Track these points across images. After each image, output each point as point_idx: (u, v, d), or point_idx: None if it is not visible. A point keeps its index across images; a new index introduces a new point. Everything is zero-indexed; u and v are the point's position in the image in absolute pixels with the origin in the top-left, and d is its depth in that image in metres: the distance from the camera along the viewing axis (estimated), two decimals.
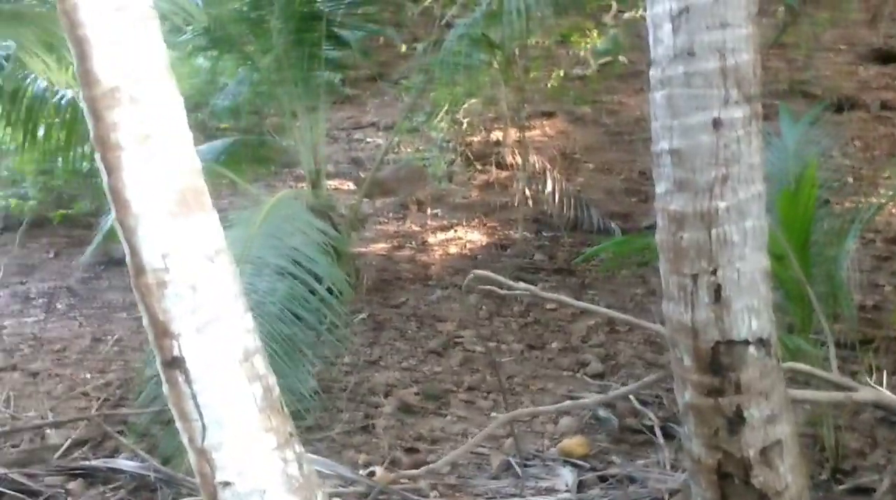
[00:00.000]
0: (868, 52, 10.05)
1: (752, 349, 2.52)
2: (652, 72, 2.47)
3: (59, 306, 7.56)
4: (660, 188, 2.53)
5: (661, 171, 2.50)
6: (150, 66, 1.97)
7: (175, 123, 2.00)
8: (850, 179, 7.49)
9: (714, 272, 2.47)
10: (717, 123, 2.38)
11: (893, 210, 7.43)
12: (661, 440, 4.63)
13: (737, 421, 2.56)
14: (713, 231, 2.44)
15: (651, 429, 4.79)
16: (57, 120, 6.22)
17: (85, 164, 7.25)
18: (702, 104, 2.38)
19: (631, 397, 4.96)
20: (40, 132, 6.34)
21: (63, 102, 6.17)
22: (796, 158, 4.68)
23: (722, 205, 2.42)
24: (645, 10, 7.19)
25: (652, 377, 3.35)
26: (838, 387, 3.29)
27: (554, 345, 6.15)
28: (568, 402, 5.02)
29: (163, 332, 1.99)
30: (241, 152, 7.64)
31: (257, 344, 2.09)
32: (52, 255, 8.59)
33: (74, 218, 8.73)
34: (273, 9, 6.62)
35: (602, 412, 5.02)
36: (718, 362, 2.53)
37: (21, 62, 5.45)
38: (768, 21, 8.74)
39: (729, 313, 2.49)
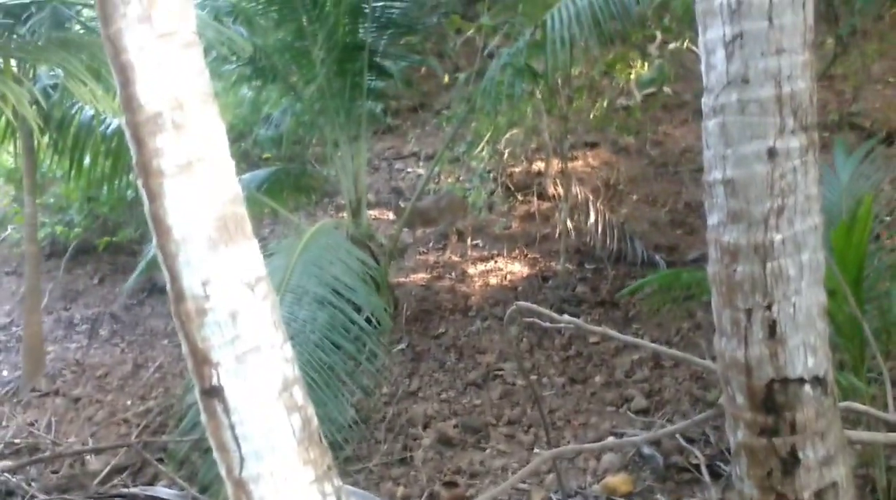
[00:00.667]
0: None
1: (807, 388, 2.43)
2: (704, 99, 2.40)
3: (102, 332, 7.64)
4: (712, 219, 2.46)
5: (714, 201, 2.42)
6: (193, 92, 1.95)
7: (217, 149, 1.97)
8: None
9: (769, 307, 2.38)
10: (772, 153, 2.30)
11: None
12: (707, 478, 4.52)
13: (791, 462, 2.46)
14: (768, 264, 2.36)
15: (697, 467, 4.69)
16: (103, 148, 6.31)
17: (130, 192, 7.36)
18: (757, 133, 2.31)
19: (677, 434, 4.85)
20: (87, 160, 6.43)
21: (109, 131, 6.25)
22: (848, 191, 4.59)
23: (777, 237, 2.35)
24: (690, 41, 7.06)
25: (702, 416, 3.25)
26: (893, 428, 3.17)
27: (597, 379, 6.06)
28: (612, 439, 4.93)
29: (202, 360, 1.96)
30: (283, 181, 7.71)
31: (296, 374, 2.05)
32: (96, 281, 8.69)
33: (119, 245, 8.84)
34: (316, 39, 6.67)
35: (647, 450, 4.93)
36: (773, 400, 2.44)
37: (68, 91, 5.53)
38: (817, 52, 8.60)
39: (784, 350, 2.40)
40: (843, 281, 3.59)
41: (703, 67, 2.41)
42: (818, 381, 2.44)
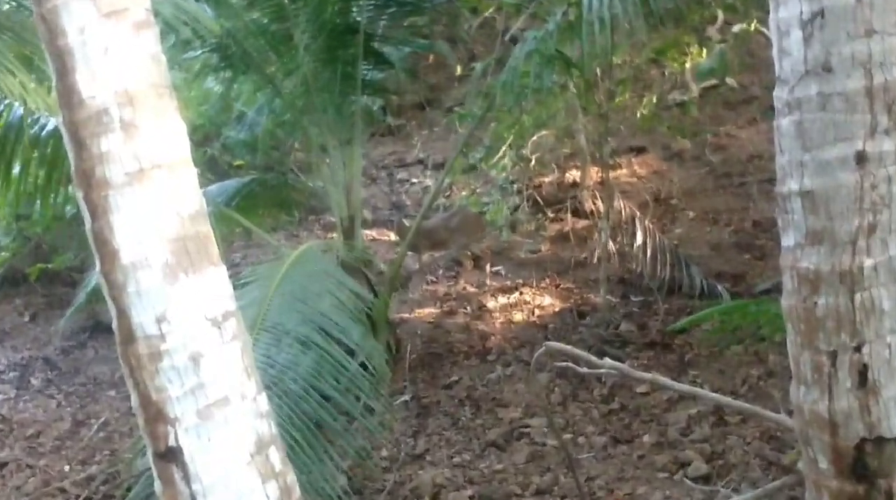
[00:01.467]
0: None
1: None
2: (777, 92, 2.40)
3: (34, 380, 7.62)
4: (787, 241, 2.45)
5: (789, 218, 2.41)
6: (147, 84, 1.96)
7: (176, 155, 1.99)
8: None
9: (858, 349, 2.37)
10: (861, 158, 2.30)
11: None
12: None
13: None
14: (857, 296, 2.35)
15: None
16: (35, 155, 6.25)
17: (69, 207, 7.31)
18: (842, 134, 2.30)
19: None
20: (16, 170, 6.36)
21: (43, 133, 6.21)
22: None
23: (868, 262, 2.34)
24: (759, 21, 6.99)
25: (776, 484, 3.24)
26: None
27: (646, 439, 5.99)
28: None
29: (156, 416, 1.96)
30: (259, 195, 7.69)
31: (273, 432, 2.06)
32: (27, 318, 8.70)
33: (55, 274, 8.83)
34: (299, 21, 6.66)
35: None
36: (864, 464, 2.42)
37: None
38: None
39: (877, 402, 2.39)
40: None
41: (774, 53, 2.41)
42: None
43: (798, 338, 2.48)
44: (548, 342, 3.95)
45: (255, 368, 2.06)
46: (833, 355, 2.41)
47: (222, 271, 2.04)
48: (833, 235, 2.36)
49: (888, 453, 2.41)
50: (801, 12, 2.31)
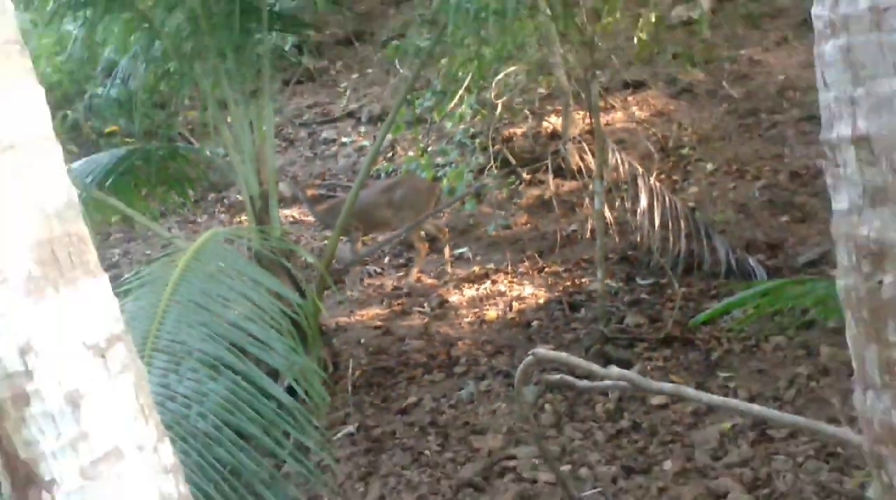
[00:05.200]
0: None
1: None
2: (816, 9, 2.39)
3: None
4: (839, 202, 2.42)
5: (841, 172, 2.39)
6: None
7: (33, 131, 1.94)
8: None
9: None
10: None
11: None
12: None
13: None
14: None
15: None
16: None
17: None
18: None
19: None
20: None
21: None
22: None
23: None
24: None
25: None
26: None
27: (667, 465, 6.01)
28: None
29: (26, 479, 1.91)
30: (140, 170, 7.67)
31: (183, 491, 2.03)
32: None
33: None
34: None
35: None
36: None
37: None
38: None
39: None
40: None
41: None
42: None
43: (860, 327, 2.45)
44: (535, 350, 3.92)
45: (153, 407, 2.00)
46: None
47: (103, 283, 1.98)
48: None
49: None
50: None
